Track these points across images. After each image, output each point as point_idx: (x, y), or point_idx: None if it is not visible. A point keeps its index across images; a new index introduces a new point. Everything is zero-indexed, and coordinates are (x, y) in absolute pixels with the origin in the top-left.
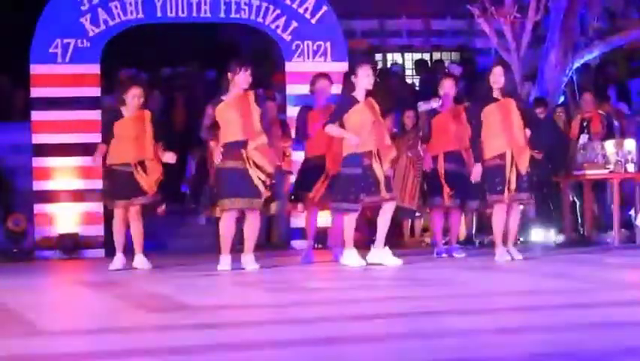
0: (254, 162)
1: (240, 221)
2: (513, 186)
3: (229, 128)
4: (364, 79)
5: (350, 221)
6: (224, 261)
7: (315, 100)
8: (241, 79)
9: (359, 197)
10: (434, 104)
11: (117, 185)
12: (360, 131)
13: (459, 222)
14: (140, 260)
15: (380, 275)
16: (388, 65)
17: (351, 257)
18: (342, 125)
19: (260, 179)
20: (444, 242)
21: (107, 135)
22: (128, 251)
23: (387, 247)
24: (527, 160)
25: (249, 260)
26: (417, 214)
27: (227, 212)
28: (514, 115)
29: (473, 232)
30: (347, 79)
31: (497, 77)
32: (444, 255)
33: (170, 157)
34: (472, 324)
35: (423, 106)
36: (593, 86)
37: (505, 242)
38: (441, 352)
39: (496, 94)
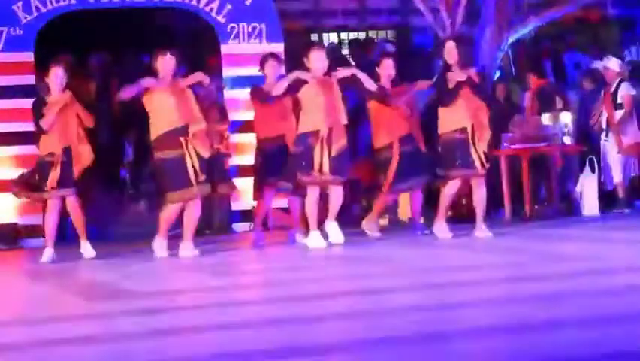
0: (193, 149)
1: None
2: (477, 162)
3: (165, 116)
4: (316, 63)
5: (310, 202)
6: (161, 244)
7: (265, 80)
8: (163, 65)
9: (296, 176)
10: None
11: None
12: (311, 108)
13: (420, 199)
14: (85, 247)
15: (320, 255)
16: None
17: (314, 239)
18: (296, 103)
19: (194, 167)
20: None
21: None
22: (72, 239)
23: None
24: (488, 137)
25: (188, 247)
26: None
27: (174, 204)
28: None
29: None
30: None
31: (451, 52)
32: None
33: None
34: (415, 301)
35: None
36: (528, 61)
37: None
38: (385, 330)
39: (453, 69)
